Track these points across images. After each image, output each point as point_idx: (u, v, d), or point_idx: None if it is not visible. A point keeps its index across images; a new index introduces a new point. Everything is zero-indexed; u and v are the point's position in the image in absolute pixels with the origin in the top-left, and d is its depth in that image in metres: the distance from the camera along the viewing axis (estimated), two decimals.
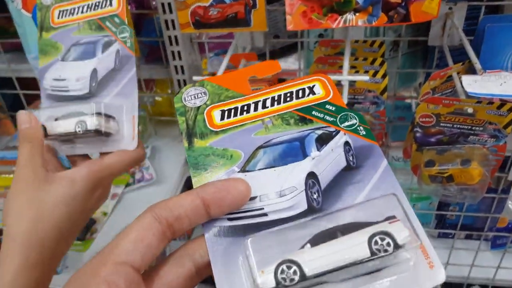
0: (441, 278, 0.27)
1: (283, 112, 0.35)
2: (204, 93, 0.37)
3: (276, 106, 0.36)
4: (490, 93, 0.48)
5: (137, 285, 0.26)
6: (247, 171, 0.33)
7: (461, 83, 0.53)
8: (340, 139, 0.34)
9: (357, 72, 0.69)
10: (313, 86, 0.36)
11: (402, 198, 0.29)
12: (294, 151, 0.34)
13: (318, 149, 0.34)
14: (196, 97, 0.37)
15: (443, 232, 1.10)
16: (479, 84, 0.48)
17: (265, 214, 0.30)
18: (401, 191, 0.30)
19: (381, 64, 0.66)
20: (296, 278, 0.26)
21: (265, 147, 0.34)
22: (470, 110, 0.54)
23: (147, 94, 1.12)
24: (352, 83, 0.66)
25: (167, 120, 1.16)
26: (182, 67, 0.98)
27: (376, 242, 0.27)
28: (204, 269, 0.29)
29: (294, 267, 0.27)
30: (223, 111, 0.36)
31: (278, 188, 0.31)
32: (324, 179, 0.32)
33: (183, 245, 0.30)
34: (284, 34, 1.06)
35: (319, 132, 0.34)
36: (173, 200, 0.29)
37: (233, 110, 0.36)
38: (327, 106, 0.35)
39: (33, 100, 1.16)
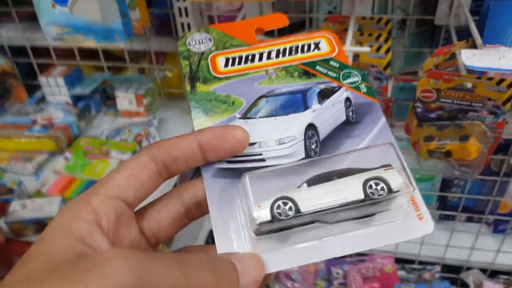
0: (429, 230, 0.27)
1: (287, 64, 0.35)
2: (209, 39, 0.37)
3: (281, 58, 0.36)
4: (488, 66, 0.48)
5: (128, 219, 0.27)
6: (248, 118, 0.33)
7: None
8: (342, 94, 0.34)
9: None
10: (319, 42, 0.36)
11: (398, 149, 0.30)
12: (296, 103, 0.34)
13: (320, 102, 0.34)
14: (201, 42, 0.36)
15: (445, 214, 1.10)
16: (478, 58, 0.48)
17: (263, 160, 0.31)
18: (396, 145, 0.31)
19: (386, 40, 0.66)
20: (291, 213, 0.27)
21: (267, 97, 0.34)
22: (469, 85, 0.54)
23: (157, 67, 1.13)
24: (356, 58, 0.67)
25: (176, 94, 1.17)
26: None
27: (370, 186, 0.28)
28: (194, 210, 0.30)
29: (290, 204, 0.27)
30: (227, 59, 0.36)
31: (277, 136, 0.32)
32: (323, 131, 0.33)
33: (175, 187, 0.31)
34: (293, 10, 1.06)
35: (322, 86, 0.35)
36: (171, 141, 0.29)
37: (237, 58, 0.36)
38: (331, 63, 0.35)
39: (46, 68, 1.18)
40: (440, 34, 0.78)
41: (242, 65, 0.35)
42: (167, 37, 1.06)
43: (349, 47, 0.54)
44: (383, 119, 0.33)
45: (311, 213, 0.27)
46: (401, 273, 1.15)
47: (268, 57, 0.36)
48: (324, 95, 0.35)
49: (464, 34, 0.71)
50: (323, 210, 0.27)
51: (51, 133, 1.01)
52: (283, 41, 0.36)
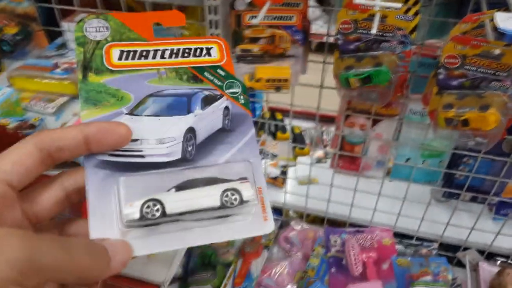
0: (269, 229, 0.34)
1: (178, 66, 0.37)
2: (107, 28, 0.36)
3: (173, 59, 0.37)
4: None
5: (11, 201, 0.29)
6: (134, 115, 0.35)
7: (492, 22, 0.53)
8: (222, 103, 0.38)
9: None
10: (211, 48, 0.38)
11: (256, 164, 0.36)
12: (180, 105, 0.37)
13: (202, 108, 0.37)
14: (98, 30, 0.36)
15: (449, 193, 1.12)
16: (510, 22, 0.49)
17: (142, 156, 0.34)
18: (258, 159, 0.36)
19: (415, 3, 0.67)
20: (158, 214, 0.31)
21: (155, 96, 0.36)
22: (497, 52, 0.55)
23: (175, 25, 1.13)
24: (383, 20, 0.67)
25: None
26: None
27: (226, 196, 0.33)
28: (74, 195, 0.33)
29: (158, 205, 0.32)
30: (122, 52, 0.36)
31: (159, 136, 0.35)
32: (201, 136, 0.36)
33: (56, 174, 0.33)
34: None
35: (206, 93, 0.37)
36: (57, 131, 0.31)
37: (132, 53, 0.36)
38: (218, 70, 0.38)
39: (68, 14, 1.19)
40: (468, 6, 0.78)
41: (136, 61, 0.36)
42: None
43: (379, 2, 0.55)
44: (252, 131, 0.37)
45: (175, 215, 0.32)
46: (399, 247, 1.17)
47: (162, 56, 0.37)
48: (207, 101, 0.38)
49: (495, 6, 0.71)
50: (185, 213, 0.32)
51: (72, 76, 1.03)
52: (178, 41, 0.38)
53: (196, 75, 0.37)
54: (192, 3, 1.11)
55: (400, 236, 1.19)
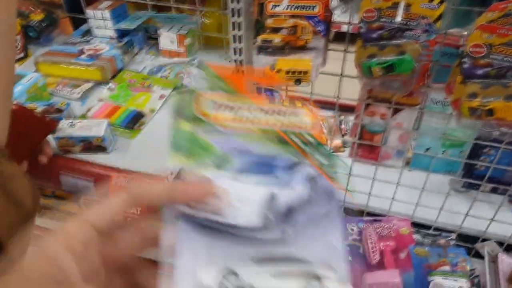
0: None
1: (268, 127, 0.36)
2: (203, 77, 0.37)
3: (264, 117, 0.36)
4: None
5: (96, 243, 0.31)
6: (220, 170, 0.34)
7: None
8: (310, 172, 0.35)
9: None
10: (304, 113, 0.37)
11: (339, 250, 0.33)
12: (267, 167, 0.35)
13: (288, 174, 0.35)
14: (195, 79, 0.37)
15: (469, 183, 1.11)
16: None
17: (222, 215, 0.32)
18: (341, 244, 0.34)
19: None
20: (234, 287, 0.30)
21: (242, 154, 0.35)
22: None
23: (198, 8, 1.15)
24: (407, 8, 0.67)
25: (215, 40, 1.19)
26: None
27: (311, 284, 0.30)
28: (153, 240, 0.33)
29: (237, 279, 0.30)
30: (215, 103, 0.36)
31: (240, 196, 0.33)
32: (284, 203, 0.33)
33: (138, 216, 0.34)
34: None
35: (294, 158, 0.35)
36: (147, 186, 0.32)
37: (224, 106, 0.36)
38: (309, 138, 0.36)
39: (92, 2, 1.21)
40: None
41: (227, 114, 0.36)
42: None
43: None
44: (338, 206, 0.35)
45: None
46: (416, 236, 1.17)
47: (253, 113, 0.36)
48: (294, 167, 0.35)
49: None
50: None
51: (97, 63, 1.05)
52: (271, 102, 0.37)
53: (285, 138, 0.36)
54: None
55: (418, 226, 1.19)
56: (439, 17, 0.68)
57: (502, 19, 0.63)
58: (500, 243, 1.13)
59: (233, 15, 1.05)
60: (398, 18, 0.64)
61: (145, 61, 1.15)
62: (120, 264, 0.33)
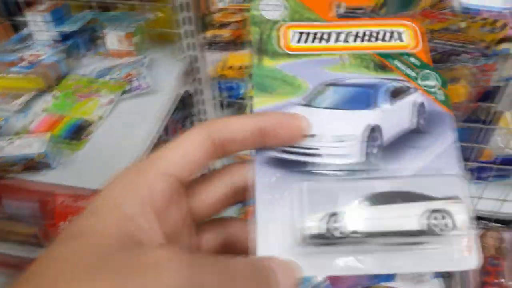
0: (472, 264, 0.26)
1: (363, 52, 0.32)
2: (285, 7, 0.33)
3: (357, 43, 0.32)
4: (476, 3, 0.47)
5: (180, 196, 0.27)
6: (311, 106, 0.31)
7: None
8: (417, 98, 0.31)
9: None
10: (402, 32, 0.33)
11: (461, 180, 0.28)
12: (365, 98, 0.31)
13: (391, 103, 0.31)
14: (276, 8, 0.33)
15: None
16: None
17: (319, 155, 0.29)
18: (461, 173, 0.28)
19: None
20: (344, 231, 0.26)
21: (336, 85, 0.32)
22: (463, 25, 0.53)
23: (148, 3, 1.10)
24: None
25: (164, 36, 1.14)
26: None
27: (435, 218, 0.26)
28: (242, 192, 0.29)
29: (346, 221, 0.26)
30: (301, 33, 0.33)
31: (338, 132, 0.30)
32: (388, 135, 0.30)
33: (224, 166, 0.30)
34: None
35: (397, 84, 0.31)
36: (232, 121, 0.28)
37: (311, 35, 0.33)
38: (411, 59, 0.32)
39: (32, 4, 1.14)
40: None
41: (315, 44, 0.32)
42: None
43: None
44: (454, 136, 0.29)
45: (363, 234, 0.26)
46: None
47: (345, 40, 0.32)
48: (397, 95, 0.32)
49: None
50: (377, 234, 0.26)
51: (38, 69, 0.99)
52: (363, 23, 0.33)
53: (384, 63, 0.32)
54: None
55: None
56: (383, 4, 0.66)
57: (443, 3, 0.62)
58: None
59: (182, 10, 1.01)
60: None
61: (92, 64, 1.10)
62: (208, 218, 0.30)
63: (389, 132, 0.30)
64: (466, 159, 1.06)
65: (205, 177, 0.30)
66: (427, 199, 0.27)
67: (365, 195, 0.27)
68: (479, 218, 1.14)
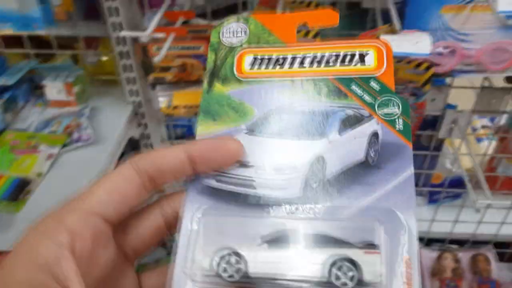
0: None
1: (319, 77, 0.30)
2: (245, 32, 0.32)
3: (314, 67, 0.30)
4: (404, 51, 0.49)
5: (106, 238, 0.26)
6: (255, 134, 0.29)
7: None
8: (370, 127, 0.29)
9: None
10: (366, 53, 0.30)
11: (409, 221, 0.25)
12: (313, 126, 0.29)
13: (340, 133, 0.29)
14: (235, 34, 0.32)
15: None
16: (395, 44, 0.49)
17: (253, 186, 0.28)
18: (412, 213, 0.25)
19: None
20: (237, 275, 0.25)
21: (283, 112, 0.30)
22: None
23: (87, 52, 1.08)
24: None
25: (110, 80, 1.12)
26: (120, 24, 0.94)
27: (339, 268, 0.24)
28: (175, 222, 0.28)
29: (240, 263, 0.25)
30: (255, 58, 0.31)
31: (278, 163, 0.28)
32: (333, 169, 0.28)
33: (157, 199, 0.29)
34: None
35: (350, 112, 0.29)
36: (158, 152, 0.28)
37: (265, 60, 0.31)
38: (372, 83, 0.29)
39: None
40: (369, 16, 0.80)
41: (269, 69, 0.31)
42: (97, 21, 1.01)
43: None
44: (410, 171, 0.27)
45: (259, 279, 0.25)
46: None
47: (301, 64, 0.31)
48: (349, 123, 0.29)
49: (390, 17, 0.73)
50: (273, 280, 0.25)
51: None
52: (324, 46, 0.31)
53: (339, 88, 0.29)
54: (98, 34, 1.05)
55: None
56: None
57: None
58: (420, 239, 1.18)
59: (121, 58, 0.99)
60: None
61: (31, 116, 1.05)
62: (139, 255, 0.28)
63: (334, 165, 0.28)
64: (416, 184, 1.09)
65: (137, 212, 0.29)
66: (339, 245, 0.25)
67: (272, 234, 0.26)
68: (434, 241, 1.17)
